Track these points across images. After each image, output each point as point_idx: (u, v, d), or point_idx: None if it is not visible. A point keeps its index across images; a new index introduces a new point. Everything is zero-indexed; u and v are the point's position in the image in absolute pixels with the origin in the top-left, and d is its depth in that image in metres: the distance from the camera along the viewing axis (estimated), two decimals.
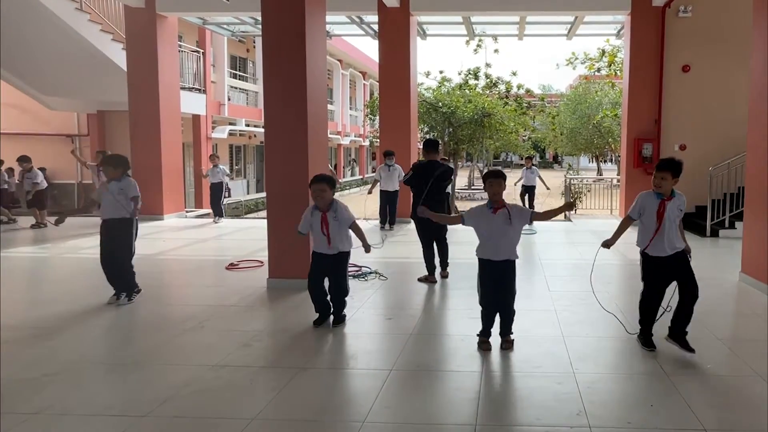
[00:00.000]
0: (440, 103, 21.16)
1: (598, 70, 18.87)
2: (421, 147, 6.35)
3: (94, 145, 14.20)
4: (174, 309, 5.04)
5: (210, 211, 11.48)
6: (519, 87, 22.98)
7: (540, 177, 12.12)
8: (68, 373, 3.54)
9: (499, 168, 4.09)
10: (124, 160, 5.15)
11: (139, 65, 10.68)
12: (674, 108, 10.22)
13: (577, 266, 6.79)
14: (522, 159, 35.32)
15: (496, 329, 4.02)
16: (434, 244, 5.99)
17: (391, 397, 3.21)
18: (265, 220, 5.85)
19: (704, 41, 10.04)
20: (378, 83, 11.41)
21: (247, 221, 11.97)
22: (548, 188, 12.71)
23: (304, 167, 5.50)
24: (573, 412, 3.01)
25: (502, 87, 22.65)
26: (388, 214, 10.01)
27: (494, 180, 3.85)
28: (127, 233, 5.04)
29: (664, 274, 3.90)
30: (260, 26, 10.05)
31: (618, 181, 12.65)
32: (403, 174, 8.23)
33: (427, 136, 20.49)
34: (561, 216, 13.57)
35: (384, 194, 10.03)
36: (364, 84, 34.98)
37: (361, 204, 11.09)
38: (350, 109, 32.84)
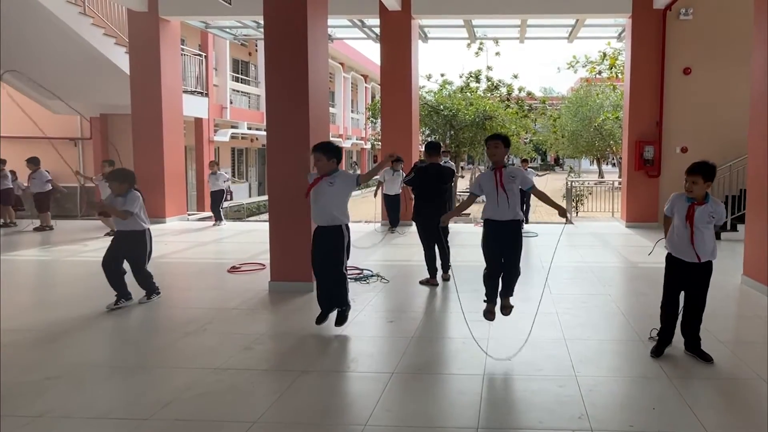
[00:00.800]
0: (442, 106, 21.19)
1: (600, 72, 18.90)
2: (423, 149, 6.37)
3: (96, 149, 14.24)
4: (176, 312, 5.05)
5: (211, 214, 11.49)
6: (520, 90, 23.01)
7: (538, 174, 12.16)
8: (70, 376, 3.54)
9: (504, 134, 4.19)
10: (130, 175, 5.17)
11: (141, 68, 10.73)
12: (675, 110, 10.23)
13: (578, 269, 6.79)
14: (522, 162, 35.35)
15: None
16: (435, 247, 5.99)
17: (393, 400, 3.21)
18: (267, 223, 5.86)
19: (705, 44, 10.05)
20: (380, 86, 11.43)
21: (248, 224, 12.00)
22: (539, 175, 12.78)
23: (306, 170, 5.49)
24: (575, 415, 3.01)
25: (504, 90, 22.68)
26: (394, 217, 10.12)
27: (491, 141, 4.03)
28: (142, 244, 5.12)
29: (683, 279, 3.78)
30: (262, 30, 10.09)
31: (619, 183, 12.65)
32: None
33: (429, 139, 20.51)
34: (562, 219, 13.59)
35: (386, 198, 10.08)
36: (365, 87, 35.03)
37: (363, 206, 11.10)
38: (352, 112, 32.87)
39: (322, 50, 5.90)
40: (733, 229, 8.92)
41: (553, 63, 76.28)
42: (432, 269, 5.95)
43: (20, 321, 4.70)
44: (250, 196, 21.47)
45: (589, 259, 7.47)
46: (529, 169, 12.14)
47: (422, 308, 5.19)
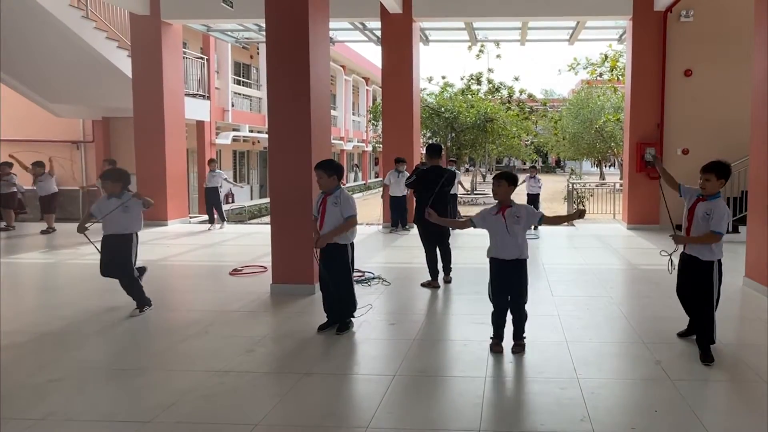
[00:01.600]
0: (443, 109, 21.22)
1: (600, 74, 18.90)
2: (424, 152, 6.38)
3: (99, 152, 14.28)
4: (178, 315, 5.06)
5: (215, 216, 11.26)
6: (521, 92, 23.06)
7: (540, 187, 12.04)
8: (73, 379, 3.55)
9: (509, 171, 4.10)
10: (124, 175, 5.06)
11: (144, 72, 10.76)
12: (676, 112, 10.23)
13: (580, 271, 6.79)
14: (525, 164, 35.34)
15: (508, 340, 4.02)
16: (437, 249, 5.99)
17: (395, 403, 3.21)
18: (269, 226, 5.87)
19: (706, 45, 10.05)
20: (381, 89, 11.46)
21: (250, 227, 12.00)
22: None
23: (307, 173, 5.52)
24: (577, 417, 3.01)
25: (505, 92, 22.72)
26: (399, 218, 10.23)
27: (495, 180, 3.95)
28: (127, 249, 4.95)
29: (681, 270, 4.00)
30: (264, 33, 10.11)
31: (621, 185, 12.64)
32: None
33: (430, 141, 20.53)
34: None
35: (393, 199, 10.17)
36: (367, 90, 35.07)
37: (365, 208, 11.13)
38: (353, 114, 32.91)
39: (324, 53, 5.92)
40: (735, 230, 8.91)
41: (554, 65, 76.16)
42: (433, 271, 5.96)
43: (23, 323, 4.71)
44: (251, 199, 21.48)
45: (590, 261, 7.46)
46: (537, 177, 12.02)
47: (424, 311, 5.19)
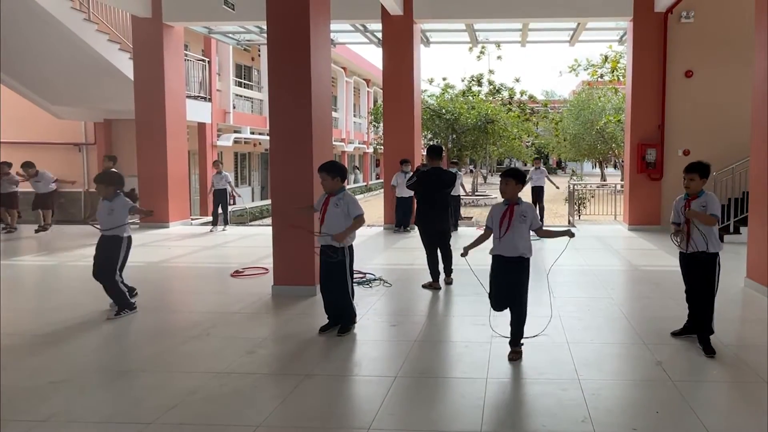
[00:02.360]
0: (444, 110, 21.23)
1: (601, 76, 18.90)
2: (425, 153, 6.39)
3: (101, 154, 14.31)
4: (179, 316, 5.07)
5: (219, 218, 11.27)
6: (522, 93, 23.07)
7: (548, 177, 12.14)
8: (74, 380, 3.56)
9: (517, 169, 4.09)
10: (117, 178, 5.09)
11: (145, 74, 10.79)
12: (677, 113, 10.23)
13: (581, 272, 6.79)
14: (525, 165, 35.31)
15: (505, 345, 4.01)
16: (438, 251, 6.00)
17: (396, 404, 3.21)
18: (270, 228, 5.88)
19: (706, 46, 10.06)
20: (382, 90, 11.47)
21: (251, 228, 12.01)
22: (557, 187, 12.72)
23: (309, 174, 5.53)
24: (578, 418, 3.01)
25: (505, 93, 22.72)
26: (404, 219, 10.33)
27: (502, 178, 3.97)
28: (114, 251, 4.94)
29: (686, 269, 4.16)
30: (265, 35, 10.13)
31: (622, 186, 12.64)
32: None
33: (431, 143, 20.55)
34: (565, 221, 13.59)
35: (400, 200, 10.28)
36: (368, 91, 35.11)
37: (368, 210, 11.21)
38: (354, 116, 32.94)
39: (325, 55, 5.93)
40: (736, 231, 8.90)
41: (554, 66, 76.15)
42: (434, 273, 5.96)
43: (24, 325, 4.72)
44: (252, 201, 21.51)
45: (591, 262, 7.46)
46: (542, 168, 12.16)
47: (425, 312, 5.19)
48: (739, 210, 8.95)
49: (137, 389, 3.45)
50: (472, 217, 15.93)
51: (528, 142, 31.80)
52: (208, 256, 8.36)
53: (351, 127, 31.29)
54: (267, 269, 6.62)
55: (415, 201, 6.32)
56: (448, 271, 6.10)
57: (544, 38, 13.18)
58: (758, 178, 5.87)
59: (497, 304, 3.97)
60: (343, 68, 29.13)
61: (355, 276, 4.76)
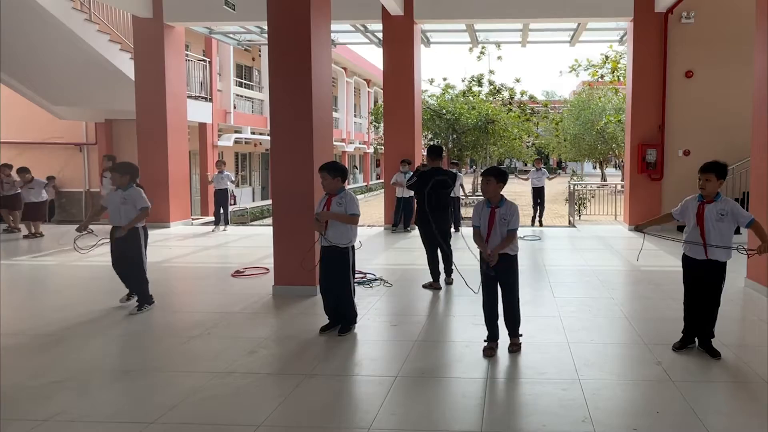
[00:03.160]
0: (444, 110, 21.24)
1: (602, 76, 18.90)
2: (425, 154, 6.40)
3: (101, 154, 14.32)
4: (181, 316, 5.08)
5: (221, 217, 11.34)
6: (522, 93, 23.06)
7: (548, 178, 12.16)
8: (77, 380, 3.57)
9: (498, 167, 4.07)
10: (132, 168, 5.19)
11: (146, 74, 10.81)
12: (678, 113, 10.23)
13: (581, 272, 6.79)
14: (526, 165, 35.35)
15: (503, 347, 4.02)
16: (438, 251, 6.01)
17: (397, 404, 3.22)
18: (271, 228, 5.89)
19: (707, 47, 10.06)
20: (382, 91, 11.48)
21: (252, 228, 12.02)
22: (550, 178, 12.82)
23: (309, 174, 5.54)
24: (578, 418, 3.02)
25: (506, 94, 22.72)
26: (404, 218, 10.39)
27: (483, 177, 3.93)
28: (135, 242, 5.07)
29: (694, 277, 3.94)
30: (266, 35, 10.14)
31: (622, 186, 12.65)
32: None
33: (432, 143, 20.56)
34: (565, 222, 13.59)
35: (399, 200, 10.36)
36: (368, 91, 35.11)
37: (369, 209, 11.19)
38: (355, 116, 32.95)
39: (326, 55, 5.94)
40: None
41: (555, 66, 76.08)
42: (435, 273, 5.97)
43: (26, 325, 4.73)
44: (253, 201, 21.52)
45: (592, 262, 7.47)
46: (542, 169, 12.18)
47: (425, 312, 5.20)
48: None
49: (139, 389, 3.46)
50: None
51: (528, 142, 31.81)
52: (208, 256, 8.37)
53: (351, 128, 31.30)
54: (268, 269, 6.63)
55: (416, 201, 6.32)
56: (449, 271, 6.11)
57: (545, 38, 13.19)
58: (759, 178, 5.87)
59: (487, 302, 3.96)
60: (344, 68, 29.14)
61: (356, 276, 4.76)
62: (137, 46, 10.92)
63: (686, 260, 3.98)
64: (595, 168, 40.78)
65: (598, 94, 28.14)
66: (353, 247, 4.47)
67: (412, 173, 6.17)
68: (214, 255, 8.46)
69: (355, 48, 26.79)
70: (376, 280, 6.22)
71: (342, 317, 4.49)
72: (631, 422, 2.99)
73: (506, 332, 4.05)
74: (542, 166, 12.39)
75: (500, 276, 3.92)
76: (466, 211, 14.80)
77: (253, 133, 20.29)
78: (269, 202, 18.43)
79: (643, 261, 7.66)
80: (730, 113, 9.82)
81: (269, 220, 14.51)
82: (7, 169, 10.28)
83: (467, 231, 10.42)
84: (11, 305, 5.39)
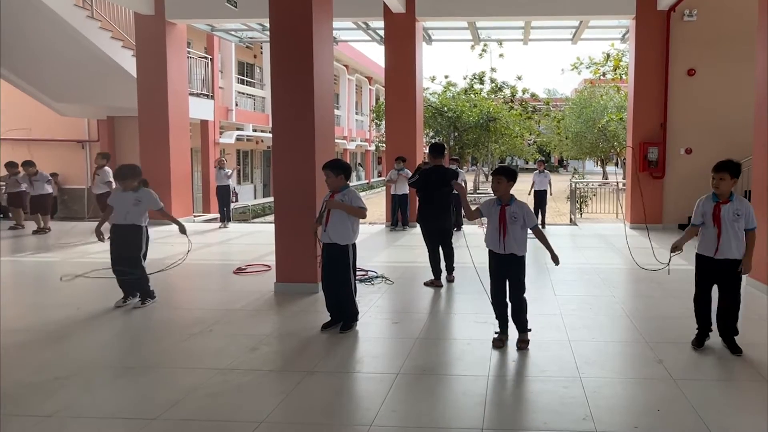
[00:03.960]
0: (446, 108, 21.22)
1: (603, 74, 18.86)
2: (427, 151, 6.40)
3: (103, 151, 14.34)
4: (182, 313, 5.09)
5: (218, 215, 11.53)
6: (524, 91, 23.03)
7: (550, 182, 12.04)
8: (79, 376, 3.58)
9: (508, 165, 4.11)
10: (138, 170, 5.29)
11: (148, 71, 10.81)
12: (680, 112, 10.21)
13: (583, 270, 6.80)
14: (527, 163, 35.33)
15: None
16: (440, 249, 6.01)
17: (398, 401, 3.23)
18: (272, 225, 5.90)
19: (709, 45, 10.04)
20: (384, 88, 11.48)
21: (254, 226, 12.04)
22: (551, 194, 12.66)
23: (311, 172, 5.55)
24: (579, 416, 3.02)
25: (507, 91, 22.68)
26: (401, 216, 10.36)
27: (494, 176, 3.98)
28: (139, 240, 5.14)
29: (708, 276, 3.93)
30: (268, 33, 10.13)
31: (623, 185, 12.63)
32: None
33: (433, 141, 20.54)
34: (567, 220, 13.58)
35: (395, 198, 10.28)
36: (370, 89, 35.09)
37: (370, 207, 11.23)
38: (356, 113, 32.93)
39: (327, 52, 5.94)
40: None
41: (557, 64, 75.86)
42: (436, 271, 5.97)
43: (29, 321, 4.75)
44: (255, 198, 21.54)
45: (593, 260, 7.47)
46: (545, 171, 12.01)
47: (427, 309, 5.21)
48: None
49: (141, 385, 3.47)
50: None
51: (530, 140, 31.76)
52: (210, 253, 8.39)
53: (353, 125, 31.29)
54: (269, 266, 6.64)
55: (417, 199, 6.32)
56: (450, 268, 6.11)
57: (547, 36, 13.16)
58: (760, 177, 5.86)
59: (496, 297, 4.01)
60: (345, 66, 29.11)
61: (357, 273, 4.77)
62: (139, 43, 10.92)
63: (702, 259, 3.95)
64: (596, 166, 40.72)
65: (600, 92, 28.08)
66: (354, 244, 4.48)
67: (414, 172, 6.16)
68: (216, 252, 8.48)
69: (356, 45, 26.76)
70: (377, 277, 6.23)
71: (344, 314, 4.50)
72: (632, 420, 2.99)
73: (514, 330, 4.10)
74: (545, 168, 12.19)
75: (509, 274, 3.98)
76: None
77: (254, 130, 20.29)
78: (271, 199, 18.43)
79: (644, 259, 7.65)
80: (732, 112, 9.80)
81: (271, 218, 14.52)
82: (12, 168, 10.33)
83: (469, 229, 10.42)
84: (15, 301, 5.41)
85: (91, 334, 4.47)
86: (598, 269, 6.85)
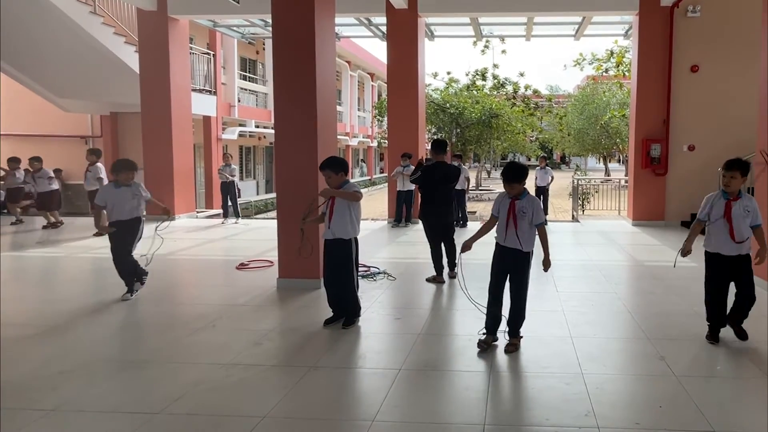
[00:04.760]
0: (448, 104, 21.18)
1: (606, 70, 18.79)
2: (429, 148, 6.40)
3: (107, 146, 14.37)
4: (185, 308, 5.11)
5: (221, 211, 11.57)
6: (526, 88, 22.95)
7: (552, 177, 12.07)
8: (83, 370, 3.60)
9: (516, 161, 4.05)
10: (134, 164, 5.37)
11: (151, 67, 10.82)
12: (683, 108, 10.17)
13: (585, 267, 6.80)
14: (529, 160, 35.22)
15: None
16: (442, 245, 6.02)
17: (400, 397, 3.24)
18: (275, 221, 5.91)
19: (713, 41, 9.99)
20: (386, 84, 11.46)
21: (256, 221, 12.05)
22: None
23: (313, 168, 5.54)
24: (581, 412, 3.03)
25: (510, 88, 22.61)
26: (405, 213, 10.36)
27: (507, 184, 3.88)
28: (135, 233, 5.26)
29: (723, 273, 4.00)
30: (270, 28, 10.12)
31: (626, 181, 12.61)
32: None
33: (435, 137, 20.51)
34: (569, 216, 13.57)
35: (401, 193, 10.31)
36: (372, 85, 35.04)
37: (372, 203, 11.21)
38: (358, 110, 32.90)
39: (330, 48, 5.93)
40: None
41: (559, 60, 75.53)
42: (438, 267, 5.98)
43: (33, 316, 4.77)
44: (257, 194, 21.56)
45: (595, 257, 7.47)
46: (547, 167, 12.05)
47: (429, 305, 5.22)
48: None
49: (144, 380, 3.49)
50: (476, 212, 15.92)
51: (532, 136, 31.71)
52: (213, 248, 8.41)
53: (355, 121, 31.26)
54: (272, 262, 6.66)
55: (419, 195, 6.32)
56: (452, 265, 6.12)
57: (549, 32, 13.12)
58: (764, 174, 5.84)
59: (494, 294, 3.96)
60: (348, 62, 29.07)
61: (359, 269, 4.78)
62: (142, 39, 10.91)
63: (709, 256, 4.02)
64: (598, 163, 40.63)
65: (603, 88, 27.99)
66: (356, 239, 4.49)
67: (414, 168, 6.16)
68: (219, 248, 8.50)
69: (359, 41, 26.75)
70: (379, 273, 6.24)
71: (346, 310, 4.51)
72: (634, 416, 3.00)
73: (506, 332, 4.03)
74: (546, 164, 12.26)
75: (511, 271, 3.94)
76: (470, 206, 14.83)
77: (257, 126, 20.29)
78: (273, 195, 18.46)
79: (647, 256, 7.65)
80: (736, 108, 9.76)
81: (273, 213, 14.54)
82: (14, 163, 10.35)
83: (473, 226, 10.43)
84: (18, 296, 5.44)
85: (95, 329, 4.49)
86: (599, 266, 6.85)
